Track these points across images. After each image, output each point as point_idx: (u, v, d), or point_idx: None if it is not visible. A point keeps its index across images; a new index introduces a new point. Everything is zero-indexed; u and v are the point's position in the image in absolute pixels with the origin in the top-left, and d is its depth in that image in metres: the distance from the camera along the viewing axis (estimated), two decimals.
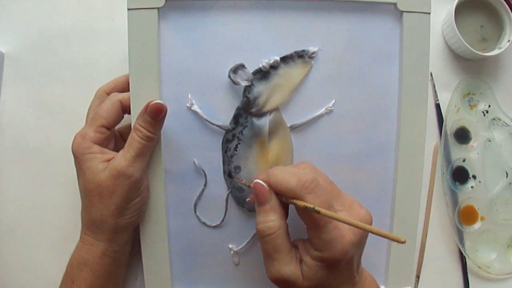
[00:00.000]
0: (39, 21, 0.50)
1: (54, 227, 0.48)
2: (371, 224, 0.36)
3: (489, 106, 0.52)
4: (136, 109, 0.40)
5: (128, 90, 0.41)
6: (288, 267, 0.35)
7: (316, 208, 0.33)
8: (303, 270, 0.35)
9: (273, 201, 0.36)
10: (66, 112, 0.49)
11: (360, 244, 0.35)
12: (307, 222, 0.35)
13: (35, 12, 0.50)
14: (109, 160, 0.39)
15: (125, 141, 0.40)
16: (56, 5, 0.51)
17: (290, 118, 0.43)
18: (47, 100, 0.50)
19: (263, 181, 0.36)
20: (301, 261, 0.35)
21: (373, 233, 0.32)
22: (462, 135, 0.52)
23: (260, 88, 0.42)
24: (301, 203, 0.33)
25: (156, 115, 0.39)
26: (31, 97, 0.50)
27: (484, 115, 0.52)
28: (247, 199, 0.40)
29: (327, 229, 0.34)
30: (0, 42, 0.50)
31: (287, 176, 0.35)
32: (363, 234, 0.35)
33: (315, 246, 0.34)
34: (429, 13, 0.42)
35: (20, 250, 0.48)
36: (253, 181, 0.37)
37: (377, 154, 0.44)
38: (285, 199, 0.35)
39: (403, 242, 0.31)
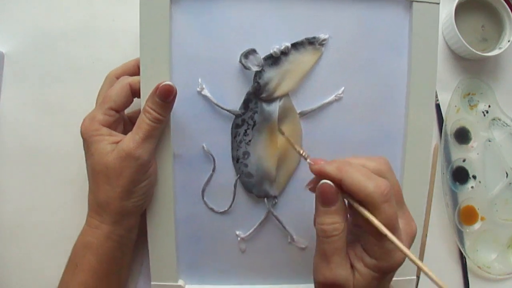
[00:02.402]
0: (39, 21, 0.50)
1: (54, 227, 0.48)
2: (415, 236, 0.35)
3: (489, 106, 0.52)
4: (146, 92, 0.40)
5: (137, 75, 0.41)
6: (344, 271, 0.33)
7: (389, 235, 0.31)
8: (355, 277, 0.33)
9: (340, 203, 0.33)
10: (66, 112, 0.49)
11: None
12: (368, 229, 0.32)
13: (35, 12, 0.50)
14: (117, 142, 0.39)
15: (134, 125, 0.40)
16: (56, 5, 0.50)
17: (300, 104, 0.43)
18: (47, 100, 0.49)
19: (334, 175, 0.33)
20: (352, 266, 0.34)
21: (425, 273, 0.31)
22: (462, 135, 0.52)
23: (271, 74, 0.42)
24: (372, 218, 0.31)
25: (165, 96, 0.38)
26: (31, 97, 0.50)
27: (484, 115, 0.52)
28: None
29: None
30: (0, 42, 0.50)
31: (364, 179, 0.32)
32: (411, 244, 0.34)
33: (371, 254, 0.33)
34: (439, 3, 0.42)
35: (20, 250, 0.48)
36: (311, 163, 0.34)
37: (385, 142, 0.44)
38: (351, 201, 0.33)
39: None
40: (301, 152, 0.37)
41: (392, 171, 0.35)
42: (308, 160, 0.36)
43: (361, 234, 0.34)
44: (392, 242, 0.31)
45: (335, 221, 0.33)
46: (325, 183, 0.33)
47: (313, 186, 0.35)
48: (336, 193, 0.33)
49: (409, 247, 0.33)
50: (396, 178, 0.35)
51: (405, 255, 0.31)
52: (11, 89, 0.50)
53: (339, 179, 0.32)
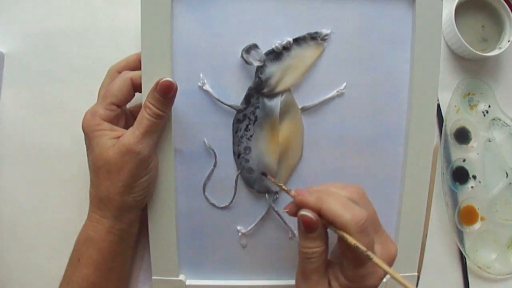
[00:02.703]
0: (39, 21, 0.50)
1: (54, 227, 0.48)
2: (395, 258, 0.36)
3: (489, 106, 0.52)
4: (147, 87, 0.40)
5: (139, 69, 0.41)
6: None
7: (369, 253, 0.32)
8: None
9: (320, 229, 0.35)
10: (66, 112, 0.49)
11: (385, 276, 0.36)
12: (346, 254, 0.34)
13: (35, 12, 0.50)
14: (118, 137, 0.39)
15: (136, 119, 0.40)
16: (56, 5, 0.50)
17: (302, 99, 0.43)
18: (47, 100, 0.49)
19: (314, 204, 0.35)
20: (329, 284, 0.36)
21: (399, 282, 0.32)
22: (462, 135, 0.52)
23: (273, 69, 0.42)
24: (352, 241, 0.33)
25: (166, 93, 0.39)
26: (31, 97, 0.50)
27: (484, 115, 0.52)
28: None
29: (366, 265, 0.34)
30: (0, 42, 0.50)
31: (341, 209, 0.34)
32: (390, 267, 0.35)
33: (346, 276, 0.35)
34: None
35: (20, 250, 0.48)
36: (294, 194, 0.37)
37: (387, 138, 0.44)
38: (331, 228, 0.35)
39: None
40: (283, 187, 0.40)
41: (367, 199, 0.37)
42: (292, 192, 0.38)
43: (340, 257, 0.36)
44: (375, 263, 0.32)
45: (315, 246, 0.35)
46: (304, 215, 0.35)
47: (290, 210, 0.37)
48: (316, 222, 0.35)
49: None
50: (372, 206, 0.37)
51: (389, 274, 0.33)
52: (11, 89, 0.50)
53: (319, 209, 0.34)
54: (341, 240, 0.34)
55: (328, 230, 0.36)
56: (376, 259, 0.32)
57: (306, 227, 0.35)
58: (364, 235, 0.33)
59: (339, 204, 0.34)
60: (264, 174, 0.43)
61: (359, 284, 0.34)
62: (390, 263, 0.36)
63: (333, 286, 0.35)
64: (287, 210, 0.37)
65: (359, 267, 0.34)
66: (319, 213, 0.35)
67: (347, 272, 0.35)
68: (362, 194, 0.37)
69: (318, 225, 0.35)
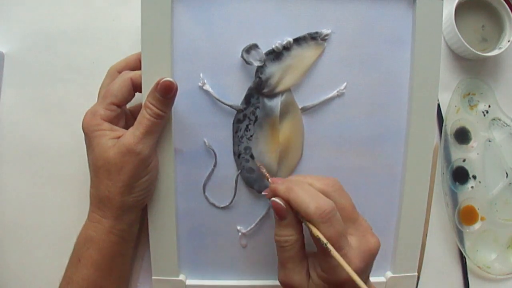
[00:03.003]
0: (39, 21, 0.50)
1: (54, 227, 0.48)
2: (377, 252, 0.36)
3: (489, 106, 0.52)
4: (147, 87, 0.40)
5: (139, 69, 0.41)
6: (298, 276, 0.36)
7: (328, 246, 0.33)
8: (309, 284, 0.36)
9: (290, 218, 0.36)
10: (66, 112, 0.49)
11: (366, 268, 0.36)
12: (317, 244, 0.35)
13: (35, 12, 0.50)
14: (118, 137, 0.39)
15: (136, 120, 0.40)
16: (56, 5, 0.50)
17: (302, 99, 0.43)
18: (47, 100, 0.49)
19: (283, 193, 0.36)
20: (308, 274, 0.36)
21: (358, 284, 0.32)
22: (462, 135, 0.52)
23: (273, 69, 0.42)
24: (316, 232, 0.34)
25: (166, 93, 0.39)
26: (31, 97, 0.50)
27: (484, 115, 0.52)
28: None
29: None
30: (0, 42, 0.50)
31: (307, 199, 0.34)
32: (369, 260, 0.36)
33: (321, 267, 0.35)
34: None
35: (20, 250, 0.48)
36: (270, 182, 0.38)
37: (387, 138, 0.44)
38: (300, 218, 0.36)
39: None
40: (263, 171, 0.41)
41: (341, 190, 0.37)
42: (268, 179, 0.40)
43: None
44: (333, 256, 0.33)
45: (287, 234, 0.36)
46: (274, 201, 0.36)
47: (268, 195, 0.38)
48: (285, 210, 0.36)
49: (364, 262, 0.35)
50: (347, 197, 0.37)
51: (339, 262, 0.33)
52: (11, 89, 0.50)
53: (287, 198, 0.36)
54: (311, 233, 0.35)
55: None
56: (334, 253, 0.33)
57: (277, 214, 0.36)
58: (328, 225, 0.33)
59: (306, 194, 0.35)
60: (252, 157, 0.43)
61: (334, 275, 0.34)
62: (369, 256, 0.36)
63: (312, 276, 0.36)
64: (266, 193, 0.39)
65: (329, 257, 0.34)
66: (288, 202, 0.35)
67: (321, 263, 0.35)
68: (338, 186, 0.37)
69: (287, 212, 0.35)
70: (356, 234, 0.36)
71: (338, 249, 0.34)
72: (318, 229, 0.34)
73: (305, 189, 0.35)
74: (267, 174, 0.41)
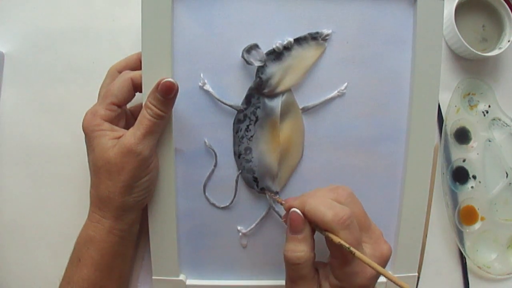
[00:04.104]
0: (39, 21, 0.50)
1: (54, 227, 0.48)
2: (389, 258, 0.36)
3: (489, 106, 0.52)
4: (148, 87, 0.40)
5: (139, 69, 0.41)
6: None
7: (352, 249, 0.33)
8: None
9: (306, 232, 0.35)
10: (66, 112, 0.49)
11: (378, 276, 0.36)
12: (334, 253, 0.35)
13: (35, 12, 0.50)
14: (119, 137, 0.39)
15: (136, 120, 0.40)
16: (56, 5, 0.51)
17: (302, 100, 0.43)
18: (47, 100, 0.49)
19: (298, 207, 0.35)
20: (319, 285, 0.36)
21: (390, 279, 0.32)
22: (462, 135, 0.52)
23: (273, 69, 0.42)
24: (336, 239, 0.33)
25: (167, 93, 0.39)
26: (31, 97, 0.50)
27: (484, 115, 0.52)
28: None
29: (353, 263, 0.34)
30: (0, 42, 0.50)
31: (323, 208, 0.34)
32: (383, 267, 0.35)
33: (335, 275, 0.35)
34: None
35: (20, 250, 0.48)
36: (283, 203, 0.38)
37: (388, 138, 0.44)
38: (318, 230, 0.35)
39: None
40: (278, 199, 0.41)
41: (354, 198, 0.37)
42: (282, 202, 0.39)
43: (330, 257, 0.36)
44: (359, 259, 0.33)
45: (300, 249, 0.35)
46: (294, 211, 0.35)
47: (286, 220, 0.37)
48: (302, 221, 0.35)
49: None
50: (360, 205, 0.37)
51: (375, 270, 0.33)
52: (11, 89, 0.50)
53: (302, 211, 0.35)
54: (327, 240, 0.34)
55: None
56: (358, 254, 0.33)
57: (293, 226, 0.35)
58: (348, 232, 0.33)
59: (321, 204, 0.34)
60: (262, 190, 0.43)
61: (348, 283, 0.34)
62: (383, 263, 0.36)
63: (323, 286, 0.35)
64: (284, 220, 0.38)
65: (346, 265, 0.34)
66: (304, 214, 0.35)
67: (336, 271, 0.35)
68: (349, 194, 0.37)
69: (304, 225, 0.35)
70: (369, 242, 0.36)
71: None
72: (337, 236, 0.33)
73: (320, 200, 0.35)
74: (279, 198, 0.41)
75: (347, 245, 0.33)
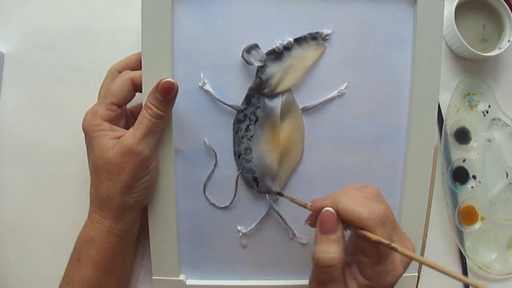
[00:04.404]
0: (39, 21, 0.50)
1: (54, 227, 0.48)
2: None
3: (489, 106, 0.52)
4: (148, 87, 0.40)
5: (139, 69, 0.41)
6: None
7: (393, 245, 0.32)
8: None
9: (339, 232, 0.34)
10: (66, 112, 0.49)
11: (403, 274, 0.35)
12: (367, 252, 0.34)
13: (35, 12, 0.50)
14: (119, 137, 0.39)
15: (136, 120, 0.40)
16: (56, 5, 0.51)
17: (302, 100, 0.43)
18: (47, 100, 0.49)
19: (331, 206, 0.34)
20: (346, 284, 0.35)
21: (454, 277, 0.32)
22: (462, 135, 0.52)
23: (273, 69, 0.42)
24: (374, 236, 0.32)
25: (167, 93, 0.39)
26: (31, 97, 0.50)
27: (484, 115, 0.52)
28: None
29: (386, 261, 0.33)
30: (0, 42, 0.50)
31: (358, 206, 0.33)
32: (408, 266, 0.35)
33: (365, 274, 0.34)
34: None
35: (20, 250, 0.48)
36: (310, 204, 0.36)
37: (388, 138, 0.44)
38: (350, 229, 0.34)
39: None
40: (299, 202, 0.38)
41: (382, 197, 0.36)
42: (308, 205, 0.37)
43: (358, 256, 0.35)
44: (401, 253, 0.32)
45: (332, 251, 0.33)
46: (327, 210, 0.34)
47: (312, 222, 0.37)
48: (336, 220, 0.34)
49: (405, 269, 0.35)
50: (387, 203, 0.36)
51: (419, 261, 0.34)
52: (11, 89, 0.50)
53: (336, 208, 0.34)
54: (360, 238, 0.34)
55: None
56: (401, 250, 0.32)
57: (325, 226, 0.34)
58: (383, 229, 0.33)
59: (355, 202, 0.34)
60: (280, 194, 0.43)
61: (378, 282, 0.34)
62: (409, 262, 0.35)
63: (350, 286, 0.35)
64: (309, 222, 0.37)
65: (378, 264, 0.33)
66: (337, 213, 0.34)
67: (366, 270, 0.34)
68: (377, 192, 0.36)
69: (338, 225, 0.34)
70: (397, 241, 0.35)
71: (389, 254, 0.33)
72: (374, 233, 0.32)
73: (353, 198, 0.34)
74: (301, 202, 0.39)
75: (387, 242, 0.32)
